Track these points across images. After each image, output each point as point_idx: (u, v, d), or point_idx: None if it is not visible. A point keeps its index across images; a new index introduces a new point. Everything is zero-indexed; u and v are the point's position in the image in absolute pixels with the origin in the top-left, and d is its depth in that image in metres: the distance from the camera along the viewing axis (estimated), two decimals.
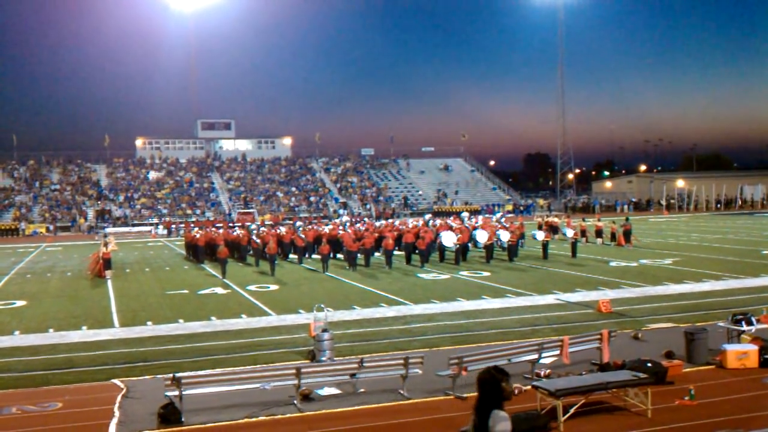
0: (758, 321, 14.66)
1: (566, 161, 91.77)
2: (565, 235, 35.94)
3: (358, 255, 30.49)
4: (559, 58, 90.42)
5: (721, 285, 23.23)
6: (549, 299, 21.31)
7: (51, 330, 18.34)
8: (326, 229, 37.56)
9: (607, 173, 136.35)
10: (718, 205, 76.93)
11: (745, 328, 14.33)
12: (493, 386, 5.70)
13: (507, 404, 11.30)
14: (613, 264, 29.52)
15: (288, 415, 11.23)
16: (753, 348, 13.25)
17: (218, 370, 13.18)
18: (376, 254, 32.48)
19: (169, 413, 10.99)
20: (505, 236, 32.19)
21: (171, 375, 11.45)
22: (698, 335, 13.61)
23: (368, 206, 72.02)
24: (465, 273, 27.70)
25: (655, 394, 11.07)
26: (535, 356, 12.85)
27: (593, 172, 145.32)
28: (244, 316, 19.75)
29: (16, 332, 18.17)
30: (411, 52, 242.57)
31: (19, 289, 26.18)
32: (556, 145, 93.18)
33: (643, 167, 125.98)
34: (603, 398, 11.21)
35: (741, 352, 13.17)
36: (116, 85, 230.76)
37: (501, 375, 5.70)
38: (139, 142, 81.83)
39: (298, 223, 46.87)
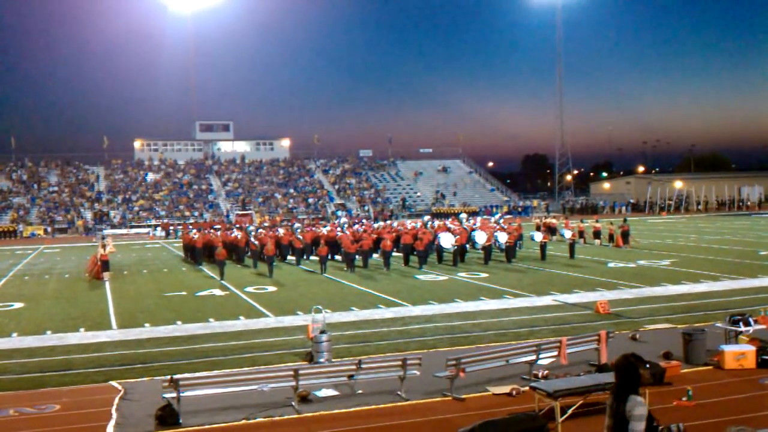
0: (756, 322, 14.67)
1: (564, 162, 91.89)
2: (563, 236, 35.96)
3: (357, 256, 30.49)
4: (557, 59, 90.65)
5: (718, 286, 23.26)
6: (547, 300, 21.32)
7: (48, 332, 18.32)
8: (324, 230, 37.57)
9: (605, 174, 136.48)
10: (705, 205, 77.02)
11: (742, 328, 14.35)
12: (631, 373, 5.99)
13: (506, 405, 11.37)
14: (611, 265, 29.54)
15: (286, 417, 11.22)
16: (751, 349, 13.26)
17: (216, 372, 13.16)
18: (374, 255, 32.47)
19: (167, 415, 10.98)
20: (503, 237, 32.20)
21: (169, 377, 11.45)
22: (696, 336, 13.62)
23: (366, 207, 72.03)
24: (463, 274, 27.71)
25: (653, 394, 11.08)
26: (533, 357, 12.85)
27: (591, 173, 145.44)
28: (242, 317, 19.74)
29: (14, 334, 18.16)
30: (409, 53, 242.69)
31: (16, 291, 26.15)
32: (554, 147, 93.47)
33: (641, 168, 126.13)
34: (601, 399, 11.17)
35: (739, 353, 13.18)
36: (114, 87, 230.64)
37: (638, 362, 6.08)
38: (137, 144, 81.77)
39: (296, 225, 46.88)
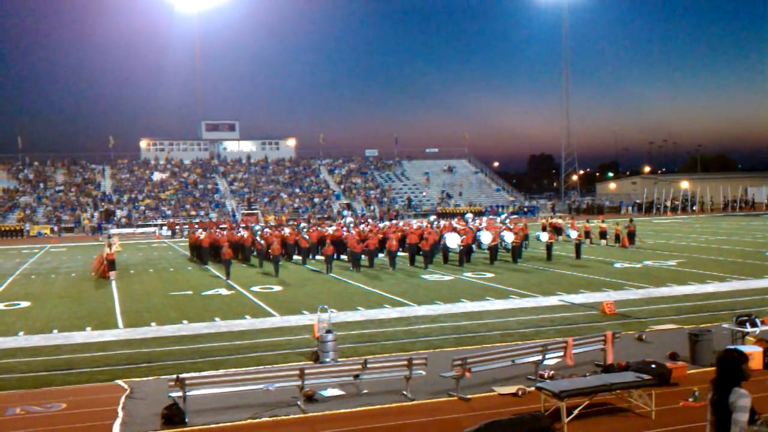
0: (762, 322, 14.61)
1: (570, 162, 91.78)
2: (569, 236, 35.90)
3: (362, 256, 30.48)
4: (563, 59, 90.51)
5: (725, 286, 23.18)
6: (553, 300, 21.29)
7: (55, 331, 18.38)
8: (330, 230, 37.57)
9: (611, 174, 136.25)
10: (706, 206, 76.71)
11: (749, 329, 14.29)
12: (734, 367, 6.18)
13: (512, 405, 11.36)
14: (617, 265, 29.47)
15: (291, 416, 11.23)
16: (757, 349, 13.20)
17: (222, 371, 13.18)
18: (380, 255, 32.47)
19: (173, 414, 10.99)
20: (509, 237, 32.17)
21: (175, 376, 11.47)
22: (702, 337, 13.58)
23: (372, 207, 72.03)
24: (469, 274, 27.68)
25: (659, 395, 11.06)
26: (539, 357, 12.83)
27: (597, 174, 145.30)
28: (247, 317, 19.76)
29: (21, 333, 18.22)
30: (415, 53, 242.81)
31: (23, 290, 26.24)
32: (560, 147, 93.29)
33: (647, 168, 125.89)
34: (607, 399, 11.20)
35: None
36: (121, 87, 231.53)
37: (742, 358, 6.19)
38: (143, 144, 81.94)
39: (302, 224, 46.91)
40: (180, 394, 11.02)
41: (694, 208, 75.29)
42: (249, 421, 11.04)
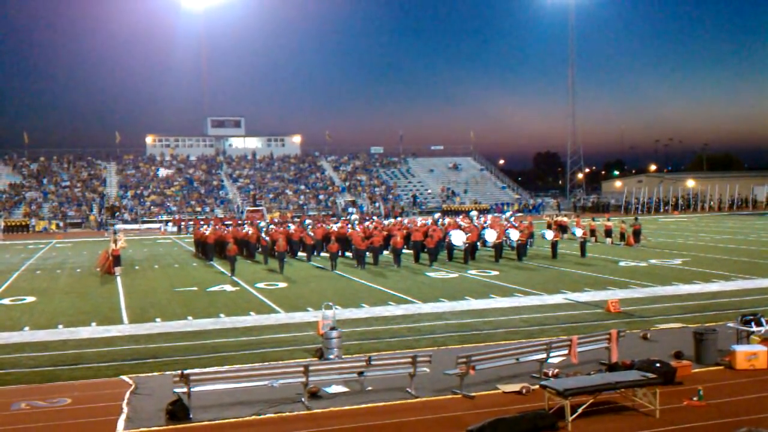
0: None
1: (576, 160, 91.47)
2: (574, 234, 35.85)
3: (367, 253, 30.48)
4: (569, 57, 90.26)
5: (730, 285, 23.12)
6: (558, 299, 21.26)
7: (60, 326, 18.44)
8: (335, 227, 37.57)
9: (617, 173, 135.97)
10: (718, 205, 76.34)
11: (754, 328, 14.26)
12: None
13: (516, 403, 11.37)
14: (622, 264, 29.41)
15: (296, 413, 11.25)
16: (762, 349, 13.19)
17: (226, 367, 13.21)
18: (385, 252, 32.45)
19: (178, 410, 11.02)
20: (514, 235, 32.12)
21: (179, 372, 11.49)
22: (707, 336, 13.55)
23: (377, 204, 72.01)
24: (473, 272, 27.66)
25: (663, 394, 11.04)
26: (544, 356, 12.82)
27: (603, 172, 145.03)
28: (252, 313, 19.79)
29: (26, 328, 18.29)
30: (421, 50, 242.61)
31: (28, 285, 26.32)
32: (566, 145, 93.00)
33: (653, 167, 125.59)
34: (611, 398, 11.19)
35: (750, 353, 13.11)
36: (127, 83, 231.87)
37: None
38: (149, 140, 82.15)
39: (308, 221, 46.92)
40: (185, 389, 11.05)
41: (710, 205, 74.87)
42: (253, 417, 11.06)
